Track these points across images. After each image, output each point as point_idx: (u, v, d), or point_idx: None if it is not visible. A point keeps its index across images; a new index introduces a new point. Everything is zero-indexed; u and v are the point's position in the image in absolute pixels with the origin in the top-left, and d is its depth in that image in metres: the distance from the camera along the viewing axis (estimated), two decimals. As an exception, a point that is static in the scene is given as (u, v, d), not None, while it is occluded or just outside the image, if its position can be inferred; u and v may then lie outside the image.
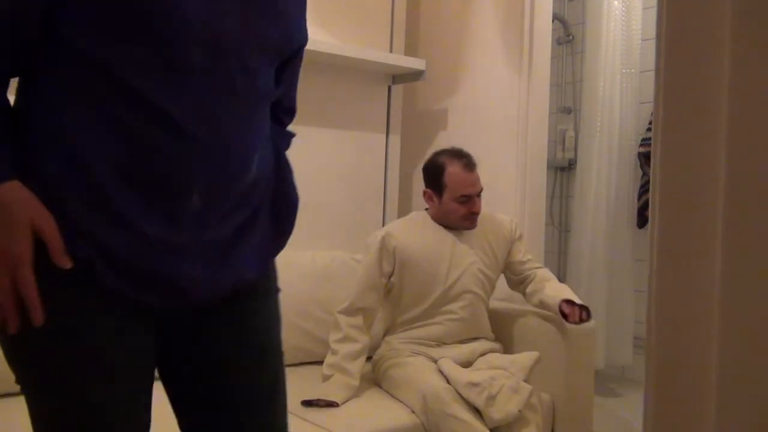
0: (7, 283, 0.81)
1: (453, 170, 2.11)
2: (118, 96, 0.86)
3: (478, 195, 2.14)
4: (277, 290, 1.11)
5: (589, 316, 2.02)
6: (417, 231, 2.17)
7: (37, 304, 0.81)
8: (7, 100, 0.90)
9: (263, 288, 1.07)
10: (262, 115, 1.00)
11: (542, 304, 2.13)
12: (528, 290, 2.21)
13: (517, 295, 2.35)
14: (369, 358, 2.21)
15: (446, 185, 2.11)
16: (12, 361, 0.89)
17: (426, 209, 2.26)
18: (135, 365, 0.92)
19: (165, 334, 0.97)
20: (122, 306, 0.89)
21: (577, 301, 2.05)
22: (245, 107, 0.95)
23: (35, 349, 0.86)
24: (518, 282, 2.27)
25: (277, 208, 1.06)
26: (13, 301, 0.81)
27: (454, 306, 2.11)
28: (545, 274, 2.24)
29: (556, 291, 2.11)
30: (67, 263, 0.83)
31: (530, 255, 2.30)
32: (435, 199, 2.16)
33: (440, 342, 2.12)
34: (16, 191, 0.82)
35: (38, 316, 0.82)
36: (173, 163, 0.88)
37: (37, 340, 0.85)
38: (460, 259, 2.14)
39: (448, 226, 2.17)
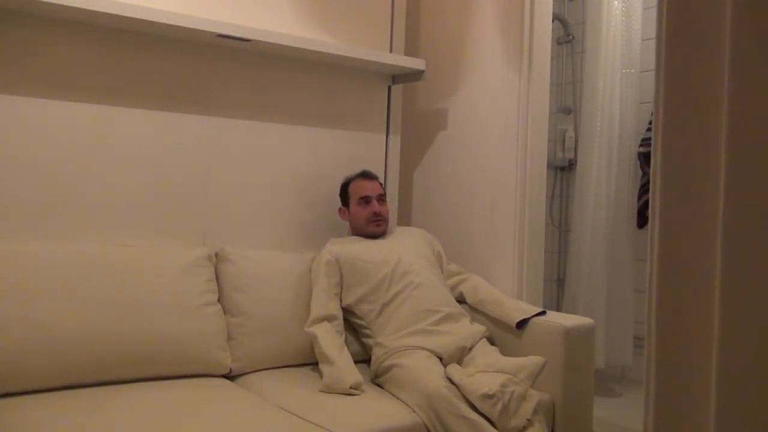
0: None
1: (354, 182, 2.51)
2: None
3: (379, 199, 2.47)
4: None
5: None
6: (349, 242, 2.42)
7: None
8: None
9: None
10: None
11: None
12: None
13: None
14: (367, 362, 2.22)
15: (350, 194, 2.50)
16: None
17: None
18: None
19: None
20: None
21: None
22: None
23: None
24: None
25: None
26: None
27: (409, 277, 2.27)
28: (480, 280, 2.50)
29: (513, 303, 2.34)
30: None
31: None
32: (347, 212, 2.51)
33: (418, 317, 2.18)
34: None
35: None
36: None
37: None
38: (391, 247, 2.39)
39: (364, 236, 2.45)
